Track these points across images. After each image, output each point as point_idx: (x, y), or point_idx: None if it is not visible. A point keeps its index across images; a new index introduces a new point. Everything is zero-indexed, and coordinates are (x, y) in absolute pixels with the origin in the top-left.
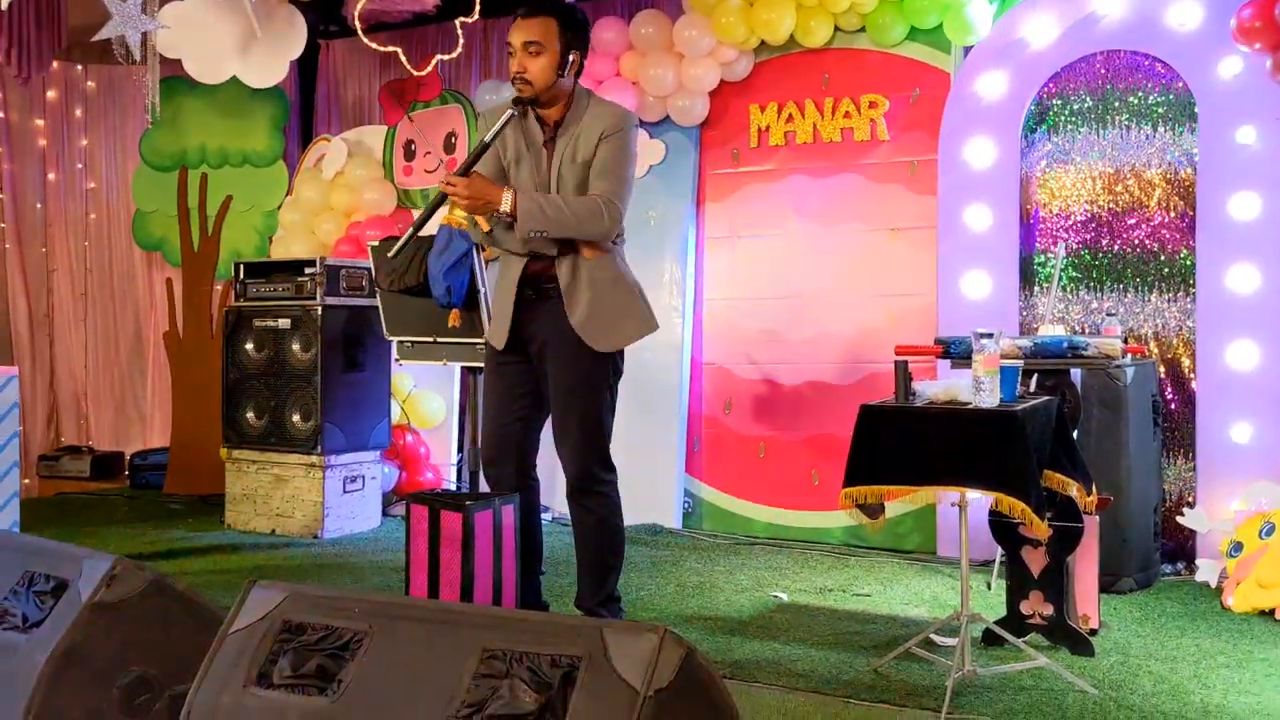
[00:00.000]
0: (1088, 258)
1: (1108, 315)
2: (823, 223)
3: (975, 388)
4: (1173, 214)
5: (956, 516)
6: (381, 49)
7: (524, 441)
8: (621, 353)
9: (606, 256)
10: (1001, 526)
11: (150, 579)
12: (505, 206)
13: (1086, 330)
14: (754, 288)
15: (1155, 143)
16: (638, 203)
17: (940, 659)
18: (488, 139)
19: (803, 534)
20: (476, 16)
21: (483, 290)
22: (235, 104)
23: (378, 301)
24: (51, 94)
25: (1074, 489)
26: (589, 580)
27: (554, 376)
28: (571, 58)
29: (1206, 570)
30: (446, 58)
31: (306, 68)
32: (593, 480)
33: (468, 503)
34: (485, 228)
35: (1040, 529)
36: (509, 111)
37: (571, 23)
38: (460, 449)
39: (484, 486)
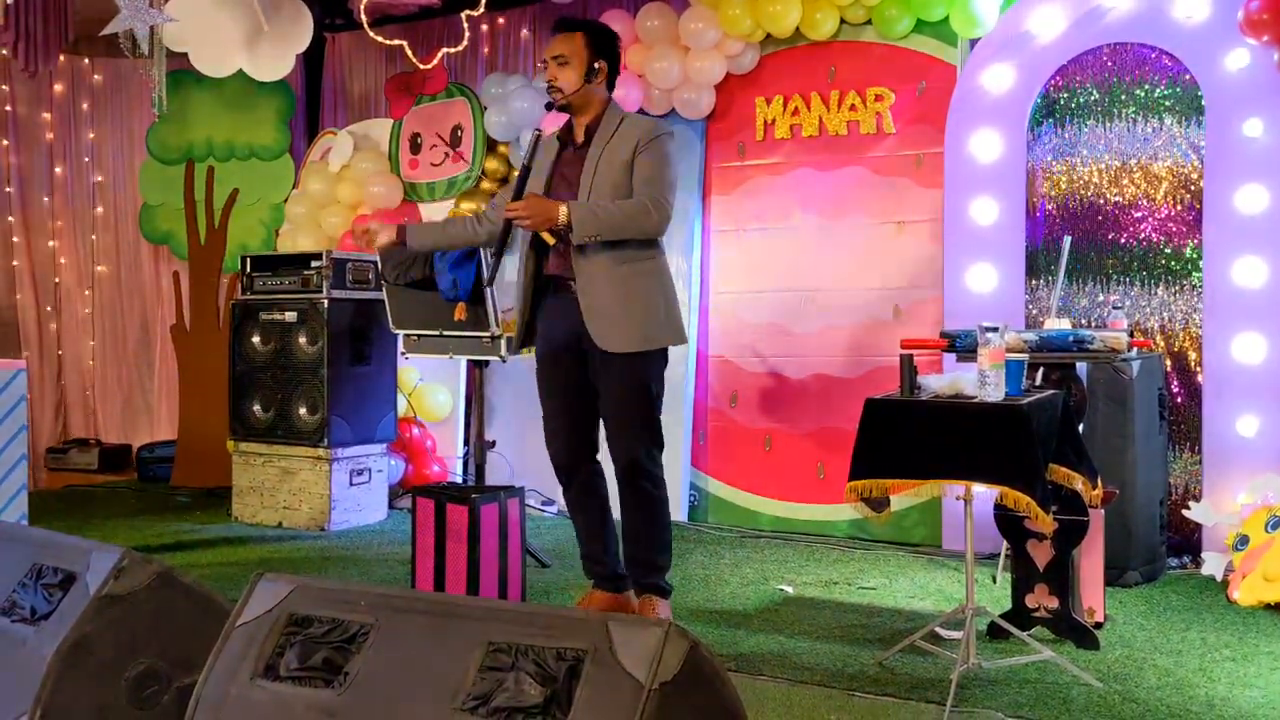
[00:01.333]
0: (1094, 251)
1: (1114, 308)
2: (829, 216)
3: (981, 381)
4: (1179, 207)
5: (962, 510)
6: (387, 42)
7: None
8: (653, 353)
9: (636, 254)
10: (1007, 520)
11: (158, 571)
12: (562, 219)
13: (1092, 324)
14: (760, 281)
15: (1162, 135)
16: None
17: (945, 652)
18: (526, 163)
19: (808, 527)
20: (482, 9)
21: (489, 290)
22: (242, 97)
23: (384, 295)
24: (58, 87)
25: (1079, 483)
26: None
27: (594, 376)
28: (597, 65)
29: (1212, 564)
30: (452, 51)
31: (312, 61)
32: (644, 467)
33: (473, 496)
34: (551, 241)
35: (1046, 523)
36: (535, 130)
37: (598, 37)
38: (466, 442)
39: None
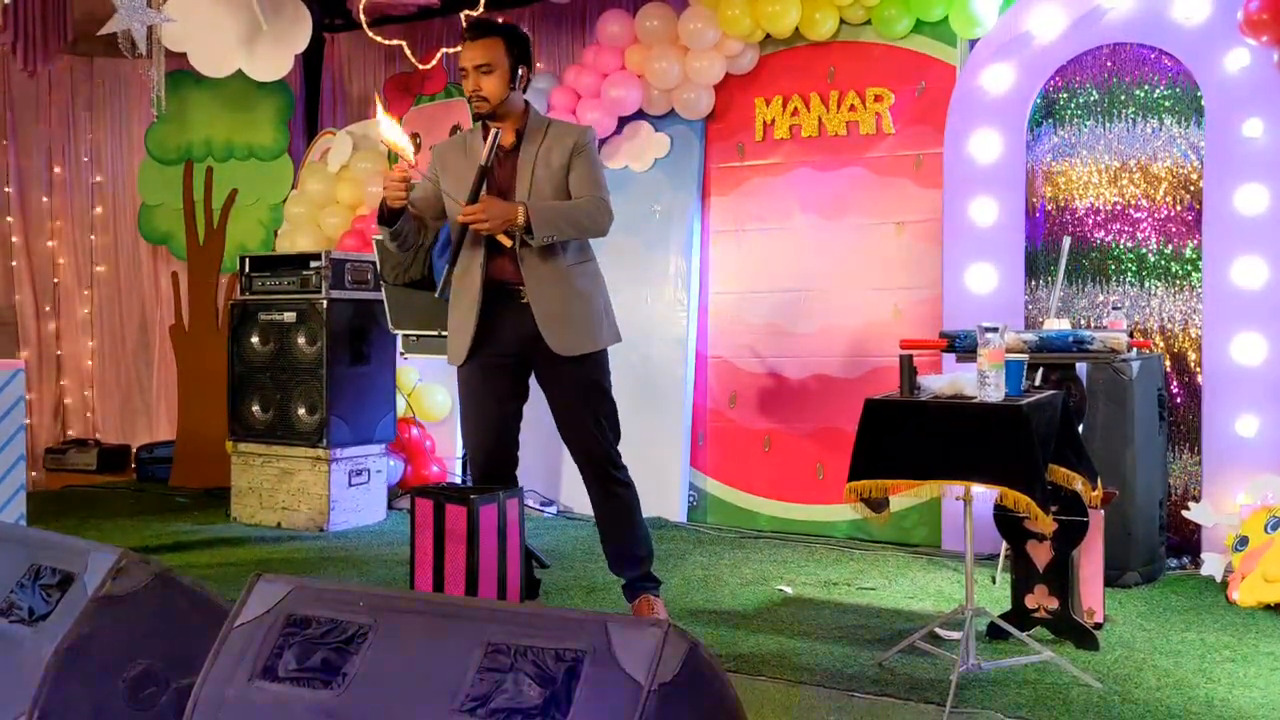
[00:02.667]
0: (1094, 251)
1: (1113, 309)
2: (828, 216)
3: (980, 382)
4: (1179, 207)
5: (961, 510)
6: (386, 42)
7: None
8: (604, 352)
9: (575, 258)
10: (1006, 521)
11: (156, 572)
12: (520, 219)
13: (1092, 324)
14: (759, 281)
15: (1162, 136)
16: (642, 196)
17: (945, 653)
18: (484, 164)
19: (807, 528)
20: (482, 10)
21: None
22: (241, 97)
23: (383, 295)
24: (58, 88)
25: (1079, 483)
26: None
27: (541, 382)
28: (520, 72)
29: (1212, 564)
30: (451, 51)
31: (312, 61)
32: (610, 468)
33: (472, 496)
34: (508, 243)
35: (1045, 523)
36: (495, 130)
37: (516, 41)
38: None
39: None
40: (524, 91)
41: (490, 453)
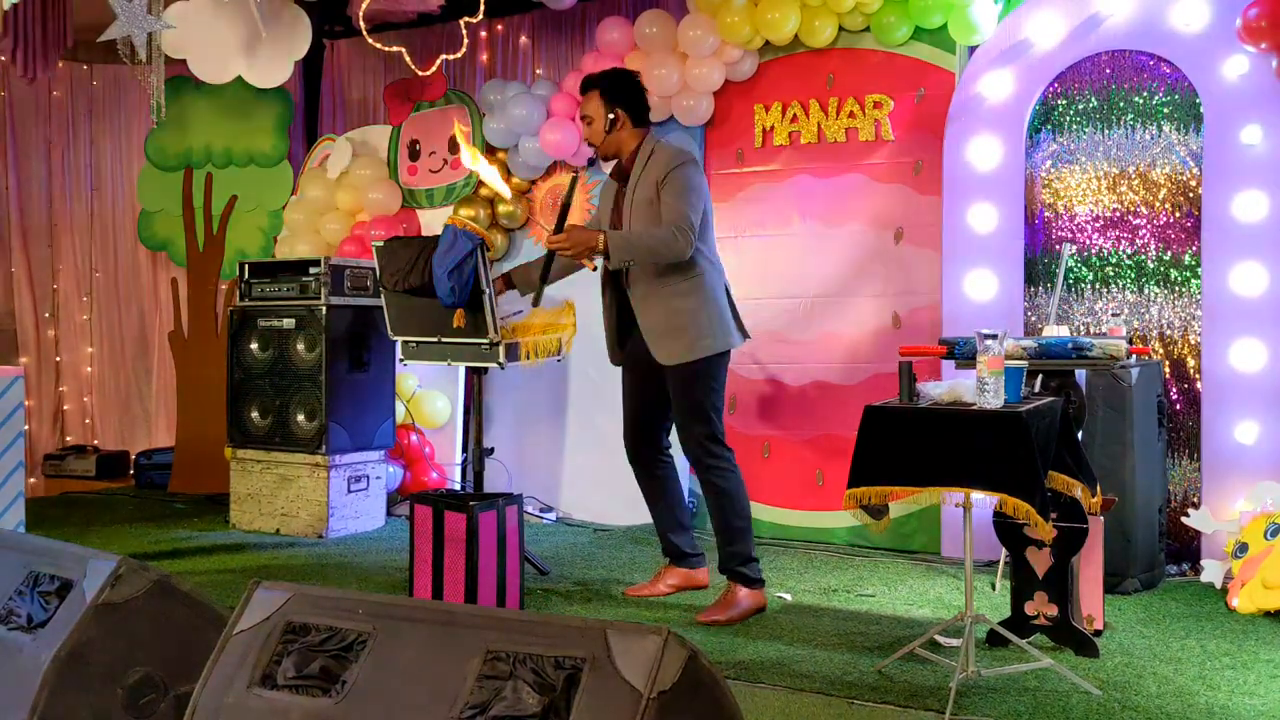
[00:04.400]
0: (1093, 258)
1: (1113, 315)
2: (827, 223)
3: (980, 388)
4: (1178, 214)
5: (961, 517)
6: (386, 49)
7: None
8: (706, 360)
9: (675, 278)
10: (1006, 527)
11: (155, 579)
12: (600, 246)
13: (1091, 331)
14: (759, 288)
15: (1160, 143)
16: None
17: (944, 660)
18: (565, 201)
19: (807, 534)
20: (481, 16)
21: (487, 291)
22: (240, 104)
23: (382, 301)
24: (57, 94)
25: (1079, 490)
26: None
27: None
28: (614, 116)
29: (1212, 571)
30: (451, 58)
31: (311, 67)
32: (703, 460)
33: (472, 503)
34: (592, 267)
35: (1045, 530)
36: (573, 176)
37: (612, 88)
38: (465, 449)
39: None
40: (636, 123)
41: (629, 434)
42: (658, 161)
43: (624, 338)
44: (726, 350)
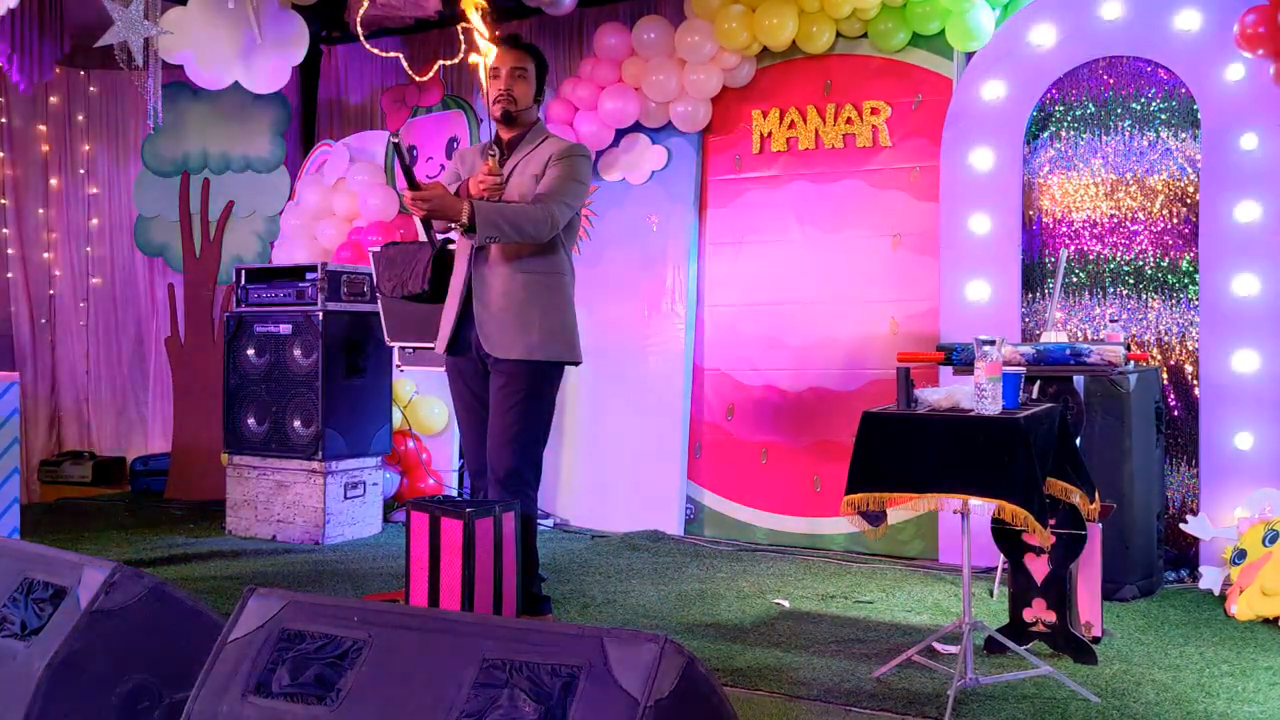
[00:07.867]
0: (1090, 264)
1: (1110, 322)
2: (825, 229)
3: (978, 395)
4: (1175, 220)
5: (959, 524)
6: (384, 54)
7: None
8: (552, 366)
9: (540, 266)
10: (1004, 534)
11: (149, 586)
12: (464, 217)
13: (1089, 337)
14: (756, 294)
15: (1158, 149)
16: (639, 208)
17: (942, 667)
18: (405, 168)
19: (805, 540)
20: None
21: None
22: (237, 109)
23: (379, 307)
24: (54, 99)
25: (1077, 496)
26: None
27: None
28: (540, 85)
29: (1210, 578)
30: (448, 63)
31: (308, 73)
32: (513, 484)
33: (468, 510)
34: (435, 240)
35: (1043, 536)
36: (391, 141)
37: (544, 63)
38: (461, 455)
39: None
40: (537, 110)
41: (473, 451)
42: (556, 142)
43: (462, 325)
44: (574, 363)
